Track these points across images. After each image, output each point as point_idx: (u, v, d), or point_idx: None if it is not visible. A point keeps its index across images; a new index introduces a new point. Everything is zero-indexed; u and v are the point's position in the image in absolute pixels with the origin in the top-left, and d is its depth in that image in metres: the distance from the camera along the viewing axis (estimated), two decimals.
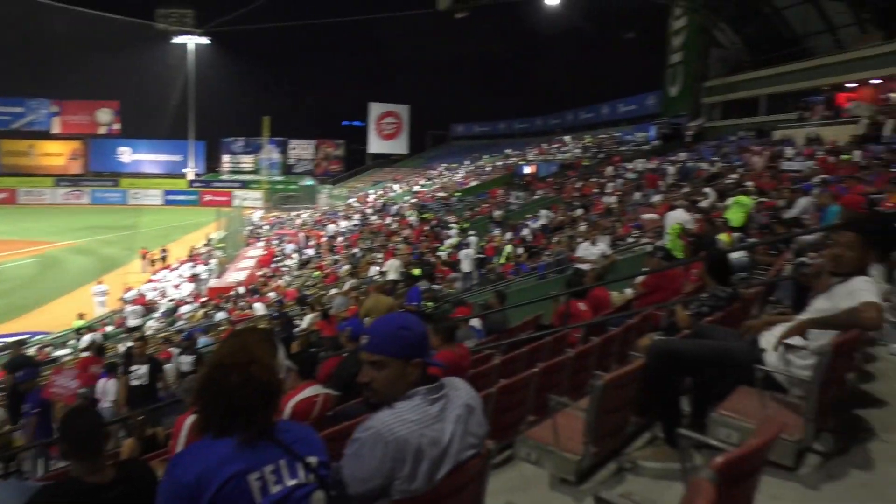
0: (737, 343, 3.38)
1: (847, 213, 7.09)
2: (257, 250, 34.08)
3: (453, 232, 22.24)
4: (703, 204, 12.89)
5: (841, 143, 17.03)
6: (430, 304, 11.24)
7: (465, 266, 17.03)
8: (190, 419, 2.35)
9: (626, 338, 5.37)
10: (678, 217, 10.18)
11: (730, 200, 10.69)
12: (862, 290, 2.89)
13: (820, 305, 3.15)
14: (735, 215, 9.76)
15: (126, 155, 68.91)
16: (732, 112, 29.09)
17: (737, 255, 7.05)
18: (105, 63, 68.81)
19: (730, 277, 4.82)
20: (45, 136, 68.11)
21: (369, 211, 39.18)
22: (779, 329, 3.15)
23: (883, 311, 2.83)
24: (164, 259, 32.64)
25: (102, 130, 69.65)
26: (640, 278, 7.23)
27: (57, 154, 67.57)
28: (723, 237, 8.55)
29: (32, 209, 58.52)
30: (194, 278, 27.12)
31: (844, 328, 2.88)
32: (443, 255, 19.09)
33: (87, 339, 15.32)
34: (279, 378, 1.73)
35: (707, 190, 14.52)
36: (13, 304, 23.88)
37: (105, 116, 69.47)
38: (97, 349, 11.11)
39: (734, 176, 16.12)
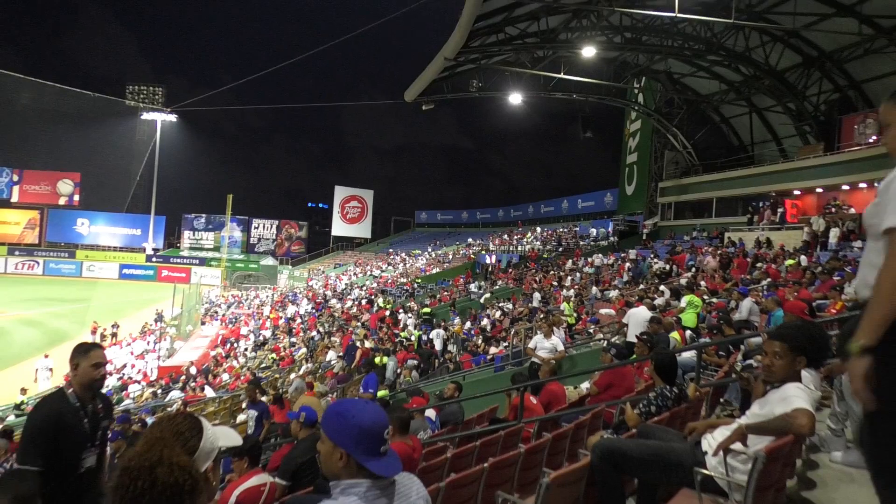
0: (680, 444, 3.45)
1: (790, 318, 7.37)
2: (212, 329, 33.40)
3: (411, 320, 22.23)
4: (658, 301, 13.24)
5: (789, 247, 17.83)
6: (384, 392, 11.16)
7: (438, 344, 17.74)
8: None
9: (578, 434, 5.42)
10: (641, 314, 10.42)
11: (683, 300, 11.02)
12: (794, 397, 3.00)
13: (756, 411, 3.24)
14: (688, 315, 10.06)
15: (84, 227, 67.83)
16: (685, 212, 30.31)
17: (688, 355, 7.26)
18: (69, 135, 69.00)
19: (676, 378, 4.97)
20: (5, 204, 66.95)
21: (329, 294, 38.96)
22: (720, 432, 3.25)
23: (814, 417, 2.95)
24: (115, 335, 31.71)
25: (62, 201, 68.84)
26: (594, 375, 7.35)
27: (13, 223, 66.18)
28: (674, 336, 8.79)
29: None
30: (143, 356, 26.35)
31: (778, 434, 2.98)
32: (409, 337, 19.01)
33: None
34: (193, 475, 1.68)
35: (663, 288, 14.95)
36: None
37: (66, 187, 68.82)
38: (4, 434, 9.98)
39: (687, 275, 16.65)
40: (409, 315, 23.18)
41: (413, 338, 18.93)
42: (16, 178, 68.10)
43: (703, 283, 14.52)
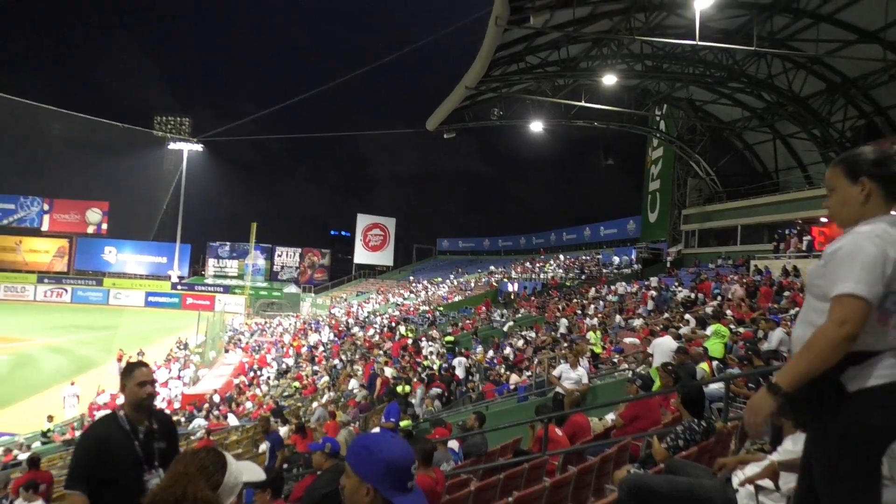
0: (710, 481, 3.38)
1: None
2: (236, 357, 33.57)
3: (433, 348, 22.17)
4: (684, 331, 13.06)
5: None
6: (406, 422, 11.09)
7: (460, 372, 17.53)
8: None
9: (604, 468, 5.34)
10: (666, 344, 10.29)
11: (709, 330, 10.85)
12: None
13: (789, 447, 3.16)
14: (715, 346, 9.89)
15: (112, 255, 69.02)
16: (710, 240, 30.04)
17: (715, 387, 7.13)
18: (98, 165, 70.71)
19: (704, 411, 4.89)
20: (35, 233, 68.47)
21: (351, 322, 39.05)
22: (752, 468, 3.17)
23: None
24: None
25: (91, 230, 70.22)
26: (620, 406, 7.25)
27: (43, 251, 67.62)
28: (703, 367, 8.64)
29: (12, 305, 57.74)
30: (167, 384, 26.52)
31: None
32: (430, 366, 18.93)
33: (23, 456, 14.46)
34: None
35: (688, 317, 14.76)
36: None
37: (94, 216, 70.25)
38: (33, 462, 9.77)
39: (713, 304, 16.43)
40: (431, 343, 23.12)
41: (434, 366, 18.85)
42: (46, 207, 69.71)
43: (729, 311, 14.31)
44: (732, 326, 11.59)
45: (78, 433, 19.97)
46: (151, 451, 3.30)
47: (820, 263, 2.14)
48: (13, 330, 40.96)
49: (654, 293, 21.57)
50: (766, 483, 3.05)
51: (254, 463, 2.20)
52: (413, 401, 14.85)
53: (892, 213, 2.13)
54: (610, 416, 8.50)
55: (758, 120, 27.37)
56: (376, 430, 12.24)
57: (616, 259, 38.24)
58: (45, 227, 69.39)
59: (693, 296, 19.01)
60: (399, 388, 15.58)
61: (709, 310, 15.22)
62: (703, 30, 17.81)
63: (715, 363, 9.02)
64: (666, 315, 17.21)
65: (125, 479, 3.12)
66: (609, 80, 23.07)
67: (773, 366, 8.14)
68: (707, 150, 29.93)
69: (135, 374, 3.35)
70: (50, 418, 19.85)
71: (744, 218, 27.65)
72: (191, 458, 1.88)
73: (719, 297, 17.24)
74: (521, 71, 22.99)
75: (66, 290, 63.63)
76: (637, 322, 17.83)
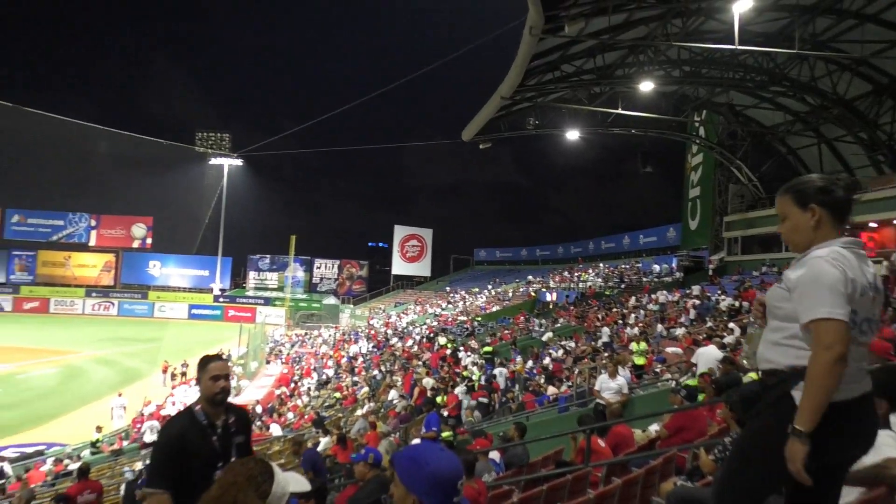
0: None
1: (873, 360, 7.00)
2: (277, 367, 33.99)
3: (471, 358, 22.12)
4: (728, 340, 12.80)
5: None
6: (447, 434, 11.06)
7: (502, 382, 17.48)
8: None
9: (649, 480, 5.25)
10: (711, 353, 10.10)
11: None
12: (884, 445, 2.84)
13: None
14: None
15: (156, 268, 70.72)
16: (753, 246, 29.39)
17: None
18: (143, 181, 72.69)
19: None
20: (83, 248, 70.60)
21: (390, 332, 39.22)
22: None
23: None
24: (184, 374, 32.65)
25: (136, 244, 72.14)
26: (664, 417, 7.12)
27: (91, 266, 69.65)
28: (752, 376, 8.42)
29: (62, 318, 59.54)
30: None
31: (870, 485, 2.82)
32: (470, 377, 18.89)
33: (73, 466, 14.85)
34: None
35: (732, 325, 14.46)
36: (34, 414, 23.90)
37: (139, 231, 72.15)
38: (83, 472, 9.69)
39: None
40: (470, 354, 23.07)
41: (475, 377, 18.79)
42: (93, 222, 71.90)
43: None
44: None
45: (126, 443, 20.46)
46: (229, 445, 3.28)
47: (782, 287, 2.28)
48: (63, 343, 42.23)
49: (696, 301, 21.19)
50: None
51: (300, 475, 2.24)
52: (462, 410, 14.84)
53: (842, 236, 2.28)
54: (653, 427, 8.35)
55: (801, 124, 26.73)
56: (416, 441, 12.25)
57: (656, 267, 37.70)
58: (92, 243, 71.54)
59: (737, 304, 18.62)
60: (438, 399, 15.59)
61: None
62: (743, 33, 17.51)
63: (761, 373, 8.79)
64: (709, 324, 16.88)
65: (204, 475, 3.07)
66: (646, 86, 22.83)
67: None
68: (749, 156, 29.32)
69: (208, 368, 3.34)
70: (99, 429, 20.35)
71: None
72: (240, 468, 1.92)
73: None
74: (557, 80, 22.91)
75: (112, 304, 65.38)
76: (679, 331, 17.53)
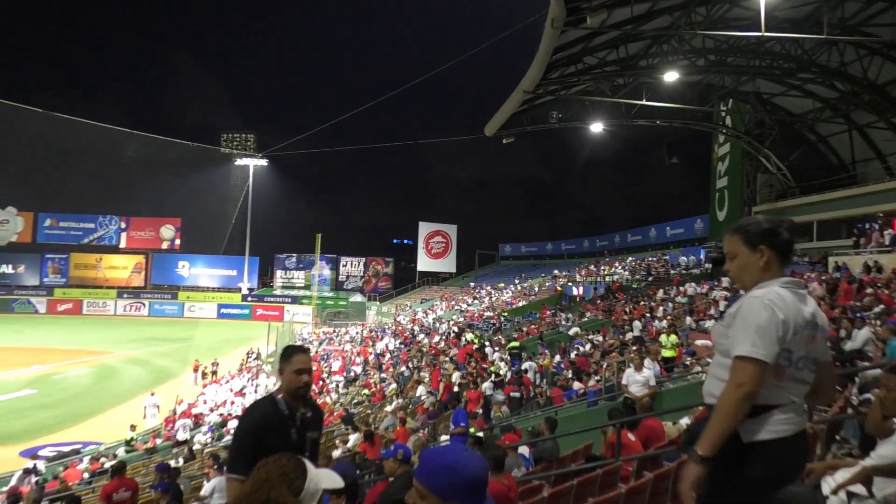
0: (797, 487, 3.25)
1: None
2: None
3: (498, 353, 22.08)
4: None
5: None
6: (474, 429, 11.06)
7: (531, 376, 17.41)
8: None
9: (681, 474, 5.19)
10: None
11: None
12: None
13: (884, 451, 3.02)
14: None
15: (185, 269, 71.74)
16: None
17: None
18: (170, 183, 73.84)
19: None
20: (114, 250, 71.89)
21: (417, 329, 39.32)
22: (842, 474, 3.04)
23: None
24: (215, 372, 33.10)
25: (165, 245, 73.25)
26: (695, 410, 7.04)
27: (122, 268, 70.90)
28: None
29: (95, 319, 60.73)
30: (242, 393, 27.30)
31: None
32: (498, 371, 18.87)
33: (109, 464, 15.10)
34: None
35: None
36: (70, 413, 24.39)
37: (168, 232, 73.25)
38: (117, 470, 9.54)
39: None
40: (497, 349, 23.04)
41: (503, 371, 18.76)
42: (123, 225, 73.17)
43: None
44: None
45: (159, 441, 20.80)
46: (304, 439, 3.23)
47: (724, 323, 2.38)
48: (96, 343, 43.06)
49: (725, 293, 20.90)
50: (859, 489, 2.92)
51: (332, 471, 2.25)
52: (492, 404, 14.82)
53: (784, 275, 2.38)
54: (684, 421, 8.27)
55: (831, 110, 26.22)
56: (444, 438, 12.26)
57: (683, 259, 37.28)
58: (122, 245, 72.81)
59: None
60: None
61: None
62: (769, 20, 17.20)
63: None
64: None
65: None
66: (670, 76, 22.57)
67: (858, 367, 7.77)
68: (777, 144, 28.81)
69: (293, 361, 3.26)
70: (133, 427, 20.73)
71: (820, 213, 26.51)
72: (273, 464, 1.93)
73: None
74: (580, 72, 22.74)
75: (143, 304, 66.52)
76: (709, 323, 17.31)
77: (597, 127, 27.27)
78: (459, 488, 1.85)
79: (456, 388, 16.94)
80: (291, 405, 3.21)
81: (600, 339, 20.54)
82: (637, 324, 19.98)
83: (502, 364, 19.90)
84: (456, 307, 49.71)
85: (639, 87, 24.50)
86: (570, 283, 41.67)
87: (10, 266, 69.61)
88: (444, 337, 31.89)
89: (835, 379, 2.57)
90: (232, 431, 20.34)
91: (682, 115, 28.08)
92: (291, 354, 3.28)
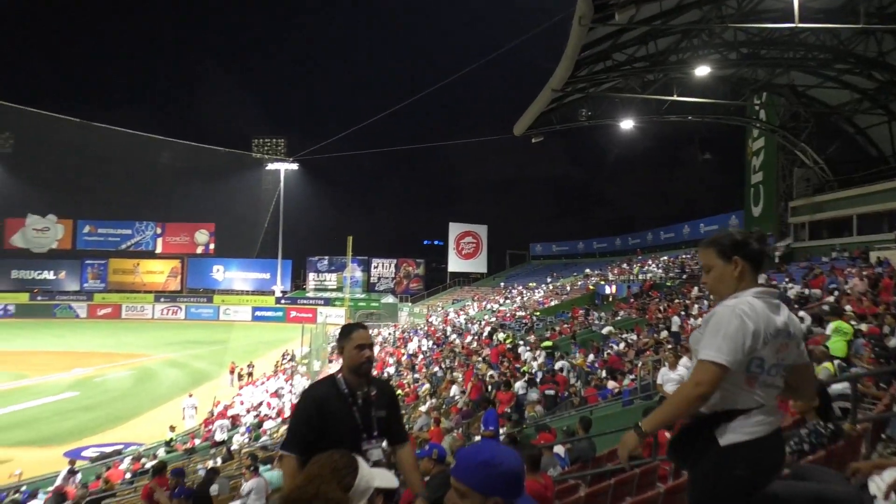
0: (843, 487, 3.19)
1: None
2: (339, 366, 34.56)
3: (530, 353, 22.00)
4: None
5: None
6: (509, 429, 11.04)
7: (567, 375, 17.40)
8: None
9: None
10: None
11: (829, 328, 10.19)
12: None
13: None
14: (837, 344, 9.26)
15: (219, 273, 72.89)
16: (822, 232, 28.28)
17: (838, 387, 6.70)
18: (203, 188, 75.14)
19: (832, 413, 4.61)
20: (150, 255, 73.43)
21: (449, 329, 39.35)
22: (890, 473, 2.98)
23: None
24: (251, 374, 33.55)
25: (199, 250, 74.57)
26: None
27: (158, 272, 72.34)
28: (828, 366, 8.12)
29: (133, 323, 62.04)
30: (277, 394, 27.63)
31: None
32: (530, 371, 18.81)
33: (150, 464, 15.36)
34: None
35: (802, 314, 13.95)
36: (111, 415, 24.97)
37: (202, 237, 74.55)
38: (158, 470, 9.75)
39: (830, 300, 15.44)
40: (529, 348, 22.96)
41: (533, 370, 18.70)
42: (159, 230, 74.73)
43: (848, 307, 13.40)
44: (854, 323, 10.84)
45: (198, 442, 21.16)
46: (370, 419, 3.12)
47: (700, 330, 2.46)
48: (135, 347, 44.02)
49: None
50: None
51: (388, 471, 2.27)
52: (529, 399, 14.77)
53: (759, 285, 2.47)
54: None
55: (869, 101, 25.54)
56: (477, 438, 12.26)
57: None
58: (158, 250, 74.35)
59: (806, 292, 17.96)
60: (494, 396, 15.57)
61: (825, 306, 14.32)
62: (803, 10, 16.82)
63: (837, 362, 8.47)
64: None
65: (342, 446, 2.85)
66: (702, 71, 22.22)
67: None
68: (813, 138, 28.15)
69: (353, 337, 3.20)
70: (172, 428, 21.13)
71: (860, 207, 25.87)
72: (325, 459, 1.97)
73: (836, 292, 16.17)
74: (608, 69, 22.50)
75: (180, 308, 67.76)
76: None
77: (627, 124, 26.98)
78: (498, 483, 1.88)
79: (489, 388, 16.94)
80: (353, 384, 3.15)
81: (634, 337, 20.34)
82: (676, 319, 19.74)
83: (534, 363, 19.83)
84: (487, 307, 49.64)
85: (669, 82, 24.17)
86: (602, 282, 41.33)
87: (52, 272, 71.55)
88: (476, 337, 31.87)
89: (812, 378, 2.72)
90: (268, 432, 20.63)
91: (714, 110, 27.64)
92: (351, 331, 3.23)
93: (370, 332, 3.45)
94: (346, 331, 3.24)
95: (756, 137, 32.81)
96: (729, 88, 26.61)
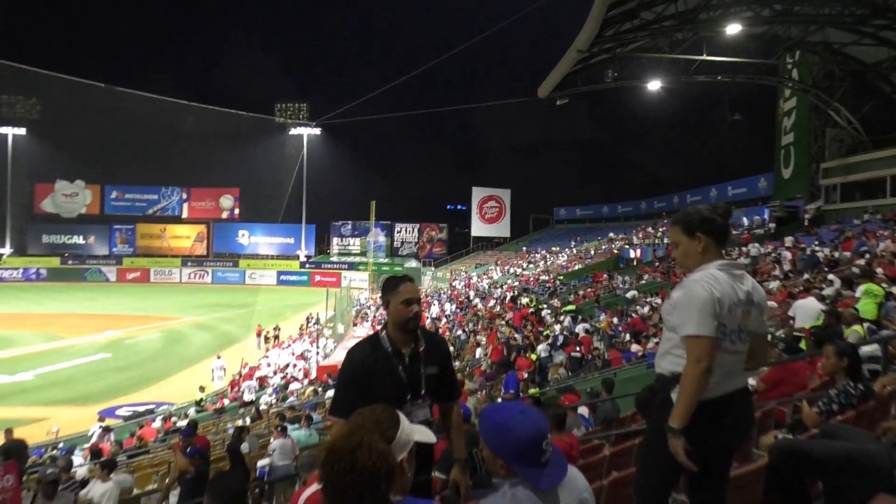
0: (874, 446, 3.16)
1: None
2: (364, 329, 34.94)
3: (553, 317, 22.02)
4: (827, 292, 12.18)
5: None
6: (534, 391, 11.11)
7: (595, 341, 17.44)
8: (305, 494, 2.46)
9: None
10: (810, 305, 9.69)
11: (859, 290, 10.03)
12: None
13: None
14: (867, 306, 9.13)
15: (245, 238, 73.60)
16: (854, 193, 27.64)
17: (869, 350, 6.61)
18: (228, 153, 75.44)
19: (861, 373, 4.54)
20: (176, 220, 74.31)
21: (472, 293, 39.48)
22: None
23: None
24: (277, 337, 34.08)
25: (224, 215, 75.26)
26: (762, 371, 6.88)
27: (185, 237, 73.29)
28: (857, 329, 8.01)
29: (162, 287, 63.13)
30: (303, 356, 28.08)
31: None
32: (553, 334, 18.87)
33: (181, 423, 15.78)
34: (390, 461, 1.78)
35: (832, 277, 13.74)
36: (143, 376, 25.62)
37: (227, 202, 75.14)
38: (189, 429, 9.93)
39: (860, 262, 15.16)
40: (553, 312, 22.98)
41: (557, 332, 18.74)
42: (185, 196, 75.48)
43: (879, 269, 13.15)
44: (885, 285, 10.65)
45: (227, 402, 21.64)
46: (418, 377, 2.97)
47: (670, 303, 2.68)
48: (164, 310, 44.87)
49: (789, 254, 20.22)
50: None
51: (426, 428, 2.31)
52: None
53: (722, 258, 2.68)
54: (749, 381, 8.09)
55: None
56: (498, 400, 12.37)
57: (745, 220, 36.18)
58: (185, 215, 75.20)
59: (835, 254, 17.65)
60: (531, 355, 15.67)
61: (855, 269, 14.07)
62: None
63: (867, 325, 8.34)
64: (806, 276, 16.09)
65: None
66: (733, 29, 21.61)
67: None
68: (848, 97, 27.30)
69: (400, 290, 2.99)
70: (202, 389, 21.62)
71: (895, 168, 25.21)
72: (368, 413, 2.03)
73: (867, 255, 15.87)
74: (636, 28, 21.98)
75: (206, 272, 68.74)
76: (773, 284, 16.81)
77: (654, 85, 26.43)
78: (506, 447, 1.94)
79: (509, 352, 17.04)
80: (398, 341, 2.97)
81: (659, 301, 20.23)
82: None
83: (557, 326, 19.86)
84: (511, 271, 49.63)
85: (699, 41, 23.55)
86: (626, 246, 41.03)
87: (82, 237, 72.83)
88: (499, 301, 31.96)
89: (767, 347, 2.91)
90: (295, 393, 21.02)
91: (745, 70, 26.93)
92: (398, 284, 3.01)
93: (416, 284, 3.21)
94: (393, 284, 3.02)
95: (787, 97, 31.96)
96: (761, 47, 25.86)
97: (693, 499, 2.85)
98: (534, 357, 15.74)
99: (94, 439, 15.50)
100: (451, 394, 3.20)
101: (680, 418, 2.48)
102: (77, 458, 12.97)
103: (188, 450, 8.25)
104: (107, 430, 15.90)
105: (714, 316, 2.49)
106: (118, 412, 20.70)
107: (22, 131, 71.97)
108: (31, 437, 15.86)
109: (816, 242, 21.13)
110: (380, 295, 3.07)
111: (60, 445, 16.15)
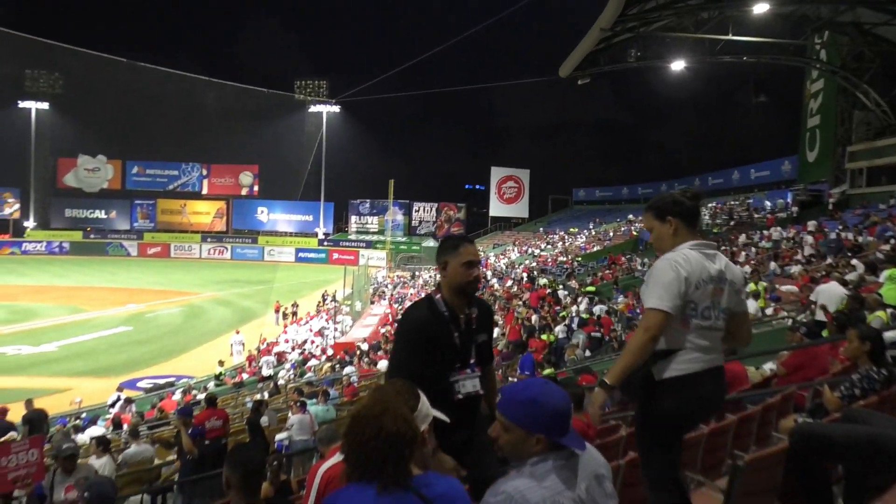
0: None
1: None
2: (381, 308, 35.13)
3: (570, 297, 21.97)
4: (850, 277, 12.03)
5: None
6: (549, 370, 11.14)
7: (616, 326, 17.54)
8: (324, 467, 2.46)
9: (766, 418, 5.08)
10: (833, 290, 9.60)
11: (883, 275, 9.90)
12: None
13: None
14: (891, 291, 9.01)
15: (264, 214, 74.03)
16: (880, 178, 27.12)
17: (892, 335, 6.53)
18: (247, 130, 75.67)
19: (885, 358, 4.49)
20: (196, 196, 74.86)
21: (490, 273, 39.48)
22: None
23: None
24: (295, 313, 34.37)
25: (244, 192, 75.69)
26: (782, 356, 6.84)
27: (205, 213, 73.87)
28: (880, 315, 7.92)
29: (182, 262, 63.81)
30: (321, 333, 28.31)
31: None
32: (571, 315, 18.86)
33: (201, 396, 15.92)
34: (413, 428, 1.80)
35: (855, 262, 13.56)
36: (163, 349, 26.02)
37: (246, 179, 75.51)
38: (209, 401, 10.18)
39: (885, 248, 14.93)
40: (570, 293, 22.92)
41: (573, 315, 18.71)
42: (205, 172, 75.98)
43: None
44: None
45: (245, 376, 21.91)
46: (470, 344, 2.80)
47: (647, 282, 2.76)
48: (184, 285, 45.39)
49: (810, 238, 19.96)
50: None
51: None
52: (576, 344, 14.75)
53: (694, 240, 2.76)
54: (768, 366, 8.06)
55: None
56: (512, 380, 12.40)
57: (768, 203, 35.72)
58: (204, 191, 75.76)
59: (860, 239, 17.39)
60: (545, 337, 15.68)
61: (879, 254, 13.87)
62: None
63: (890, 311, 8.24)
64: (829, 260, 15.89)
65: (434, 376, 2.64)
66: (760, 8, 21.18)
67: None
68: (878, 79, 26.68)
69: (461, 251, 2.77)
70: (221, 363, 21.90)
71: None
72: (389, 385, 2.10)
73: (892, 240, 15.62)
74: (661, 7, 21.59)
75: (226, 248, 69.33)
76: (795, 269, 16.63)
77: (678, 65, 26.05)
78: (543, 420, 1.91)
79: (524, 334, 17.05)
80: (455, 305, 2.77)
81: None
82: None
83: (574, 308, 19.83)
84: (529, 252, 49.52)
85: (725, 20, 23.10)
86: (646, 228, 40.71)
87: (103, 211, 73.71)
88: (516, 281, 31.93)
89: (747, 325, 2.94)
90: (313, 369, 21.22)
91: (771, 50, 26.41)
92: (458, 244, 2.79)
93: (478, 249, 3.04)
94: (453, 244, 2.80)
95: (815, 79, 31.33)
96: (788, 27, 25.34)
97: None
98: (549, 338, 15.73)
99: (115, 409, 15.81)
100: (491, 357, 3.07)
101: (615, 377, 2.56)
102: (100, 428, 13.25)
103: (189, 431, 8.37)
104: (129, 401, 16.21)
105: (677, 295, 2.59)
106: (139, 384, 21.08)
107: (45, 106, 72.63)
108: (55, 407, 16.30)
109: (840, 227, 20.82)
110: (440, 256, 2.83)
111: (83, 415, 16.49)
